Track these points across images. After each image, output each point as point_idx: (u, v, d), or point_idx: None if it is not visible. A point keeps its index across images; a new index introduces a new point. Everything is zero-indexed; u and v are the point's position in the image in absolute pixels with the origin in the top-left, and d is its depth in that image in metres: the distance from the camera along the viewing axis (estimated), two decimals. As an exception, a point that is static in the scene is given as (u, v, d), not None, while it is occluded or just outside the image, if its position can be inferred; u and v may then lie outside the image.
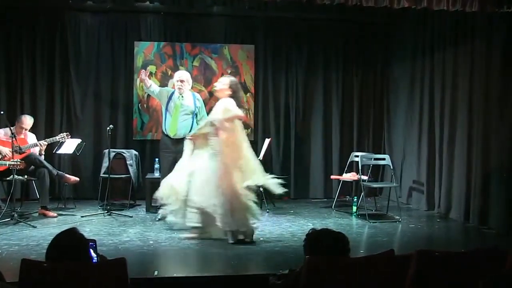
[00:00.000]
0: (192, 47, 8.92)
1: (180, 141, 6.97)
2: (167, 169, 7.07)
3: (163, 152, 7.21)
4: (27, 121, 7.36)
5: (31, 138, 7.45)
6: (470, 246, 5.77)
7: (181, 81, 7.08)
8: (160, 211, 6.75)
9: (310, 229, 3.15)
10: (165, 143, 7.15)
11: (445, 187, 7.54)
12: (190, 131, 6.98)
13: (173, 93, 7.17)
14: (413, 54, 8.54)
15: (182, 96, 7.10)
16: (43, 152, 7.31)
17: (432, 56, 7.98)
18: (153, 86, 7.24)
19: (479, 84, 6.90)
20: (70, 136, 7.52)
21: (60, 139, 7.40)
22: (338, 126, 9.30)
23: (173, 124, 7.07)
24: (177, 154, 7.00)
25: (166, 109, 7.14)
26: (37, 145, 7.21)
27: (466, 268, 3.06)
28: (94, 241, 3.02)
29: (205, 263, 5.27)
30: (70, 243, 2.83)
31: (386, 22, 9.13)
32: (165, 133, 7.15)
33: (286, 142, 9.20)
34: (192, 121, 7.11)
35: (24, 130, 7.29)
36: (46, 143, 7.29)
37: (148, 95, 8.48)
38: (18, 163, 6.51)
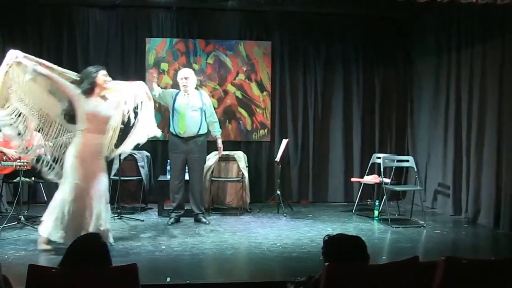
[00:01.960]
0: (206, 44, 8.93)
1: (190, 140, 7.06)
2: (178, 171, 7.17)
3: (173, 153, 7.24)
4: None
5: (38, 138, 7.46)
6: (500, 254, 5.71)
7: (186, 78, 7.11)
8: (173, 215, 6.79)
9: (326, 235, 3.13)
10: (175, 143, 7.18)
11: (473, 191, 7.47)
12: (199, 128, 7.09)
13: (178, 93, 7.21)
14: (437, 51, 8.47)
15: (188, 94, 7.13)
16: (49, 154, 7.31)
17: (458, 53, 7.91)
18: (155, 89, 7.20)
19: (509, 83, 6.83)
20: None
21: (67, 139, 7.38)
22: (359, 126, 9.26)
23: (182, 122, 7.08)
24: (188, 154, 7.10)
25: (173, 109, 7.16)
26: (43, 146, 7.22)
27: (496, 278, 3.03)
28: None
29: (220, 269, 5.27)
30: (94, 249, 2.86)
31: (408, 17, 9.07)
32: (174, 133, 7.16)
33: (305, 143, 9.18)
34: (201, 118, 7.13)
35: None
36: (52, 144, 7.28)
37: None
38: (26, 163, 6.56)
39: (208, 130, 7.26)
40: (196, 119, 7.10)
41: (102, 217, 5.45)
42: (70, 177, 5.46)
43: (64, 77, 5.63)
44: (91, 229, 5.27)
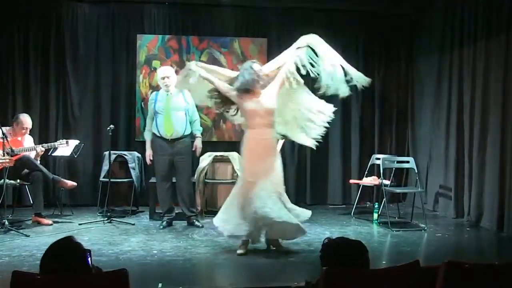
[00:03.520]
0: (199, 41, 8.92)
1: (176, 141, 7.00)
2: (165, 173, 7.12)
3: (158, 155, 7.14)
4: (28, 120, 7.38)
5: (28, 141, 7.45)
6: (504, 258, 5.71)
7: (167, 77, 7.02)
8: (165, 218, 6.78)
9: (326, 238, 3.13)
10: (160, 145, 7.08)
11: (475, 193, 7.47)
12: (185, 129, 7.04)
13: (157, 94, 7.16)
14: (440, 48, 8.47)
15: (171, 93, 7.06)
16: (38, 158, 7.31)
17: (461, 50, 7.91)
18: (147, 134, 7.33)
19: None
20: (67, 142, 7.43)
21: (60, 145, 7.38)
22: (358, 126, 9.25)
23: (167, 123, 7.01)
24: (174, 156, 7.04)
25: (155, 110, 7.08)
26: (33, 149, 7.21)
27: (500, 282, 3.02)
28: (89, 251, 3.01)
29: (214, 274, 5.26)
30: (67, 253, 2.81)
31: (410, 13, 9.08)
32: (158, 135, 7.07)
33: (301, 144, 9.15)
34: (186, 118, 7.08)
35: (25, 131, 7.31)
36: (44, 149, 7.27)
37: (151, 92, 8.49)
38: (7, 160, 6.53)
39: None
40: (181, 120, 7.05)
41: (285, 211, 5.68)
42: (241, 173, 6.18)
43: (224, 77, 6.01)
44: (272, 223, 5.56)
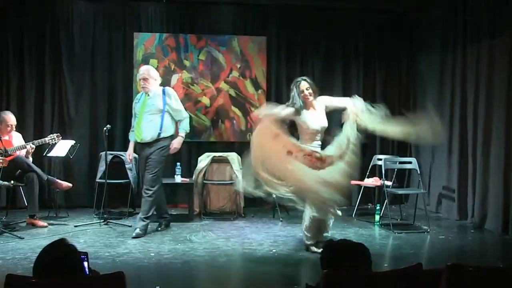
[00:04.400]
0: (197, 39, 8.92)
1: (147, 145, 6.81)
2: (143, 176, 6.98)
3: (138, 158, 7.17)
4: (12, 117, 7.32)
5: (17, 138, 7.42)
6: (508, 261, 5.73)
7: (144, 79, 6.84)
8: (138, 225, 6.67)
9: (327, 240, 3.13)
10: (138, 147, 7.00)
11: (479, 194, 7.47)
12: (159, 132, 6.78)
13: (141, 94, 7.06)
14: (442, 46, 8.48)
15: (149, 95, 6.87)
16: (30, 156, 7.27)
17: (464, 49, 7.91)
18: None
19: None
20: (61, 137, 7.41)
21: (50, 140, 7.29)
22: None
23: (138, 127, 6.86)
24: (147, 159, 6.80)
25: (134, 112, 7.04)
26: (24, 147, 7.16)
27: (504, 286, 3.02)
28: (85, 254, 3.01)
29: (212, 277, 5.26)
30: (60, 256, 2.81)
31: (411, 10, 9.08)
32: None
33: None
34: (162, 121, 6.80)
35: (10, 128, 7.26)
36: (34, 146, 7.19)
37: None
38: (0, 161, 6.52)
39: (185, 131, 7.05)
40: (154, 123, 6.78)
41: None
42: None
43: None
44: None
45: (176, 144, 6.95)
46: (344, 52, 9.26)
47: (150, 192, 6.79)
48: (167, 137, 6.87)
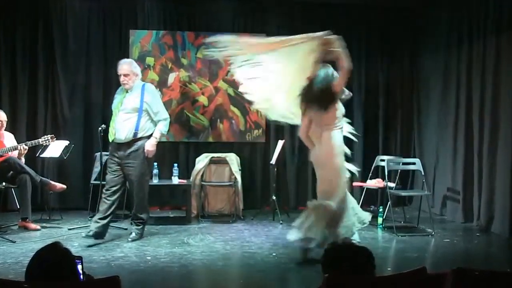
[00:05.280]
0: (195, 37, 8.92)
1: (124, 146, 6.55)
2: (109, 179, 6.61)
3: (108, 158, 6.85)
4: (2, 113, 7.30)
5: (9, 139, 7.39)
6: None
7: (125, 75, 6.56)
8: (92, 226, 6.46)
9: (329, 243, 3.12)
10: (110, 148, 6.77)
11: (485, 196, 7.46)
12: (135, 132, 6.52)
13: (121, 89, 6.79)
14: (447, 44, 8.48)
15: (127, 92, 6.63)
16: (22, 157, 7.22)
17: (470, 46, 7.91)
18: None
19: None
20: (55, 138, 7.32)
21: (44, 142, 7.20)
22: (361, 126, 9.23)
23: (111, 126, 6.64)
24: (122, 160, 6.56)
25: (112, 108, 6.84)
26: (16, 148, 7.12)
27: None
28: (80, 258, 3.00)
29: (211, 281, 5.26)
30: (53, 260, 2.80)
31: (415, 7, 9.07)
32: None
33: (302, 145, 9.14)
34: (138, 121, 6.52)
35: (0, 125, 7.21)
36: (27, 147, 7.14)
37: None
38: None
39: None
40: (129, 123, 6.51)
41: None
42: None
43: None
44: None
45: (149, 146, 6.56)
46: (347, 49, 9.23)
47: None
48: (144, 137, 6.59)
